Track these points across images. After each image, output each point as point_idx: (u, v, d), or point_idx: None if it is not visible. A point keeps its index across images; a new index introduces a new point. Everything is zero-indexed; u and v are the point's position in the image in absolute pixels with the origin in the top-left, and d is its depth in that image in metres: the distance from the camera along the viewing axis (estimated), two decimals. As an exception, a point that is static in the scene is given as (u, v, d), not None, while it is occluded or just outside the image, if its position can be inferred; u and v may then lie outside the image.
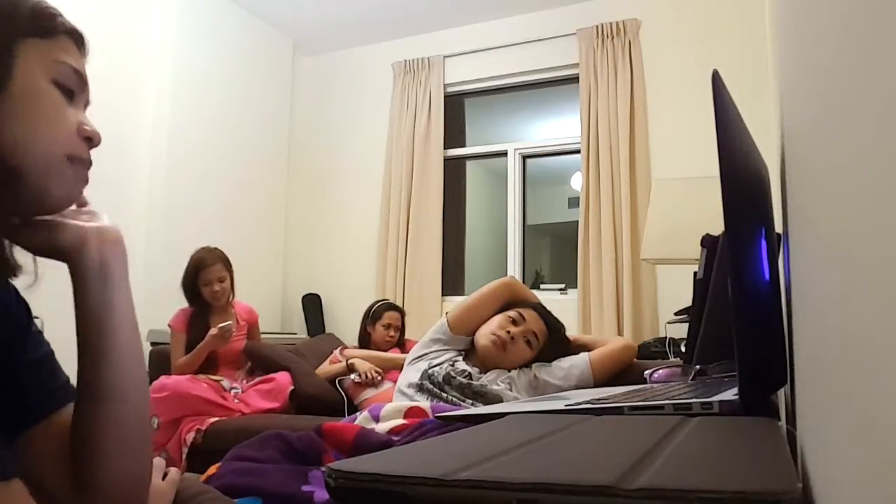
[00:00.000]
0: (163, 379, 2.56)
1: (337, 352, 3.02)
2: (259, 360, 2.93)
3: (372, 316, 3.14)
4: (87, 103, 0.68)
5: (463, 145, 4.65)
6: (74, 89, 0.65)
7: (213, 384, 2.65)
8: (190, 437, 2.46)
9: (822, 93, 0.35)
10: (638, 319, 3.71)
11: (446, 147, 4.47)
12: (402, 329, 3.17)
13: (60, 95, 0.63)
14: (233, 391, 2.71)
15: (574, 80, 4.12)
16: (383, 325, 3.09)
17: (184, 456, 2.43)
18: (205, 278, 2.83)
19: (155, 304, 3.08)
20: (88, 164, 0.65)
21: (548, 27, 4.20)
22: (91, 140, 0.65)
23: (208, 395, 2.56)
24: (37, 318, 0.71)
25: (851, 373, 0.26)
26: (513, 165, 4.44)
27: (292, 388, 2.79)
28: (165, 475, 0.74)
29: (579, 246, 3.90)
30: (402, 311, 3.22)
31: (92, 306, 0.63)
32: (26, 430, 0.64)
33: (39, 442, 0.64)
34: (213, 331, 2.75)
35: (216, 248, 2.92)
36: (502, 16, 4.34)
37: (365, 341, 3.13)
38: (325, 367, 2.96)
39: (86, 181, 0.66)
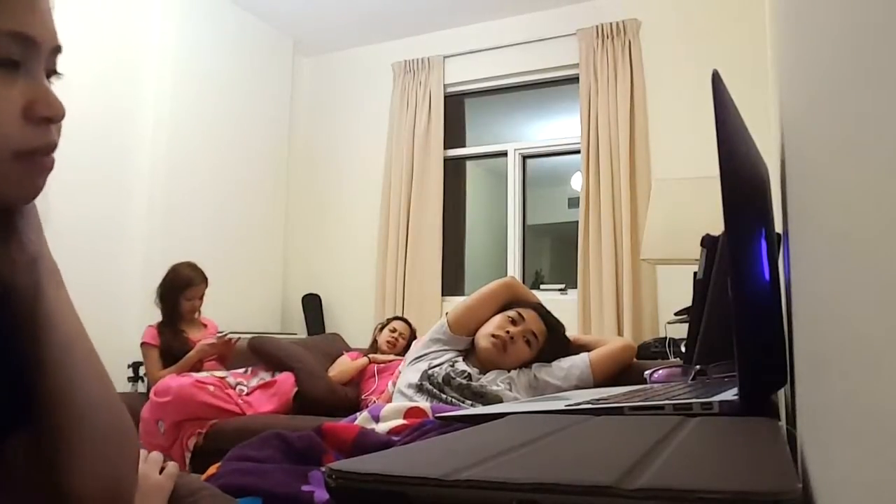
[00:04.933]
0: (168, 380, 2.55)
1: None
2: (264, 357, 2.94)
3: (383, 325, 3.36)
4: (55, 50, 0.54)
5: (463, 145, 4.65)
6: (17, 58, 0.50)
7: (219, 383, 2.65)
8: (191, 442, 2.46)
9: (822, 93, 0.35)
10: (638, 319, 3.71)
11: (446, 147, 4.47)
12: (410, 340, 3.27)
13: None
14: (238, 387, 2.72)
15: (574, 80, 4.12)
16: (390, 329, 3.27)
17: (187, 461, 2.43)
18: (189, 295, 3.02)
19: (154, 304, 3.08)
20: (49, 148, 0.53)
21: (548, 27, 4.20)
22: (50, 119, 0.52)
23: (214, 400, 2.55)
24: None
25: (851, 373, 0.26)
26: (513, 165, 4.44)
27: (296, 390, 2.80)
28: (163, 469, 0.73)
29: (579, 246, 3.90)
30: (411, 326, 3.38)
31: (10, 322, 0.56)
32: (13, 433, 0.60)
33: (28, 446, 0.60)
34: (210, 340, 2.91)
35: (196, 265, 3.09)
36: (502, 16, 4.34)
37: (373, 347, 3.28)
38: (346, 365, 3.04)
39: (47, 169, 0.54)
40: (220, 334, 3.00)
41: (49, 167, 0.54)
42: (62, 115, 0.53)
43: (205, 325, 3.17)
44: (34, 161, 0.52)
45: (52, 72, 0.55)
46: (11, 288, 0.56)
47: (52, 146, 0.53)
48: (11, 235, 0.56)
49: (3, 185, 0.51)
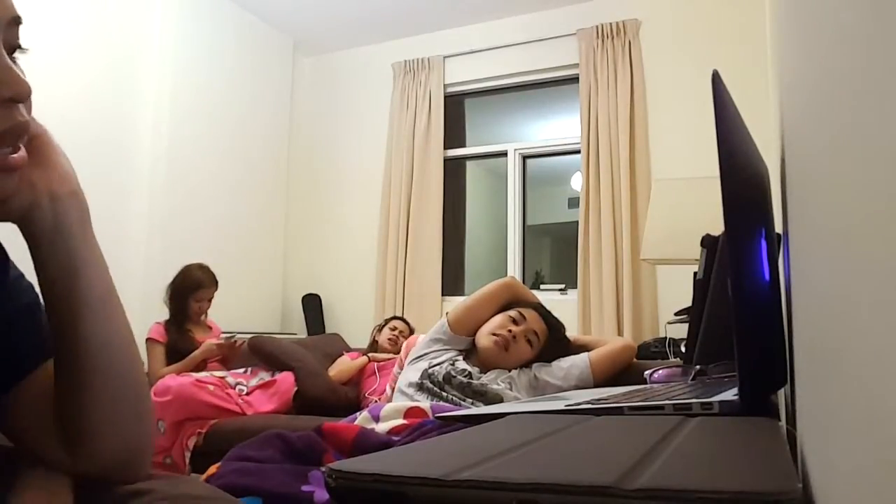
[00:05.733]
0: (167, 380, 2.54)
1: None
2: (263, 357, 2.94)
3: (381, 325, 3.35)
4: (12, 22, 0.50)
5: (463, 145, 4.65)
6: None
7: (219, 383, 2.66)
8: (191, 442, 2.46)
9: (822, 92, 0.35)
10: (638, 319, 3.71)
11: (446, 147, 4.47)
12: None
13: None
14: (238, 388, 2.73)
15: (574, 80, 4.13)
16: (390, 328, 3.28)
17: (187, 461, 2.44)
18: (199, 296, 3.05)
19: (154, 303, 3.08)
20: (18, 130, 0.49)
21: (548, 27, 4.20)
22: (13, 100, 0.48)
23: (214, 399, 2.55)
24: None
25: (851, 373, 0.26)
26: (513, 165, 4.44)
27: (296, 389, 2.80)
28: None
29: (579, 246, 3.90)
30: (410, 325, 3.38)
31: (53, 267, 0.54)
32: (16, 383, 0.59)
33: (31, 395, 0.59)
34: (216, 340, 2.93)
35: (208, 268, 3.11)
36: (502, 16, 4.34)
37: (373, 347, 3.27)
38: (346, 364, 3.02)
39: (13, 166, 0.50)
40: (226, 336, 3.01)
41: (14, 165, 0.50)
42: (27, 93, 0.49)
43: (210, 328, 3.19)
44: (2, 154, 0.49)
45: (15, 47, 0.51)
46: (53, 221, 0.54)
47: (21, 127, 0.49)
48: (52, 167, 0.54)
49: None
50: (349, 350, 3.28)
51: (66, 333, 0.56)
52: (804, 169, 0.49)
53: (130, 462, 0.60)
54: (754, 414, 0.64)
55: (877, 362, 0.21)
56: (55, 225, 0.54)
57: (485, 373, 1.78)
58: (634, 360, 2.00)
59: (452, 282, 4.45)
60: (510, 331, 1.81)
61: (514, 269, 4.31)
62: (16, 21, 0.50)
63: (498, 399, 1.66)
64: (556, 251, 5.92)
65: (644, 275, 3.74)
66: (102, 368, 0.57)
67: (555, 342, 1.90)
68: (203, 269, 3.09)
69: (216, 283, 3.12)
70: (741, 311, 0.63)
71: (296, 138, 4.85)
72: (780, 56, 0.97)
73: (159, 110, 3.83)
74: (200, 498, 0.66)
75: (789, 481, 0.33)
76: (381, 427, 1.29)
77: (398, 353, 3.09)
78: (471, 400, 1.66)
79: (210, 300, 3.12)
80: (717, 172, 0.64)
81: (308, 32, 4.67)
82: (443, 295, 4.31)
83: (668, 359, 2.65)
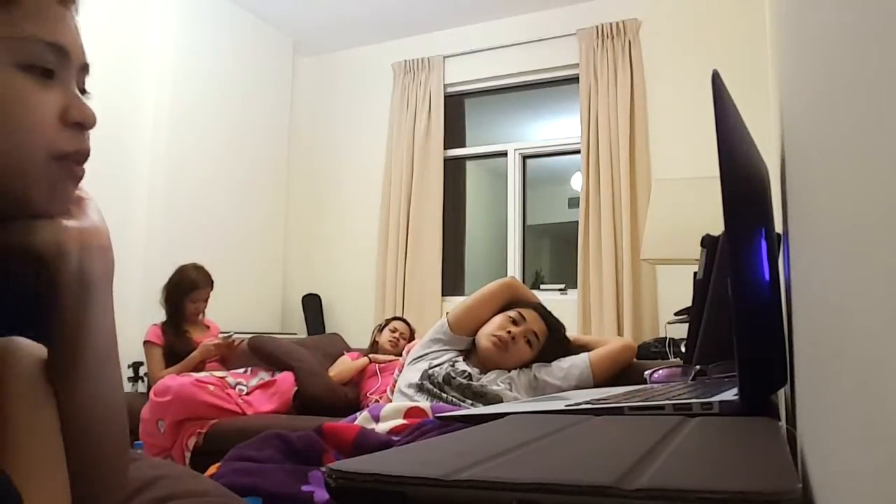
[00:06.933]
0: (167, 380, 2.54)
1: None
2: (263, 357, 2.94)
3: (382, 325, 3.35)
4: (83, 68, 0.55)
5: (463, 145, 4.65)
6: (53, 67, 0.51)
7: (219, 383, 2.66)
8: (191, 442, 2.46)
9: (822, 92, 0.35)
10: (638, 319, 3.71)
11: (446, 147, 4.47)
12: (410, 340, 3.26)
13: (31, 81, 0.50)
14: (238, 388, 2.73)
15: (574, 80, 4.12)
16: (390, 329, 3.27)
17: (187, 461, 2.44)
18: (194, 297, 3.05)
19: (154, 304, 3.08)
20: (83, 155, 0.54)
21: (548, 27, 4.20)
22: (82, 125, 0.53)
23: (214, 399, 2.55)
24: None
25: (851, 373, 0.26)
26: (513, 165, 4.44)
27: (296, 389, 2.80)
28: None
29: (579, 246, 3.90)
30: (410, 326, 3.37)
31: (64, 322, 0.53)
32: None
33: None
34: (214, 341, 2.93)
35: (203, 268, 3.10)
36: (502, 16, 4.35)
37: (373, 347, 3.27)
38: (346, 364, 3.02)
39: (78, 178, 0.54)
40: (223, 335, 3.00)
41: (79, 177, 0.54)
42: (94, 122, 0.54)
43: (207, 327, 3.19)
44: (68, 167, 0.52)
45: (81, 90, 0.56)
46: (78, 272, 0.53)
47: (86, 153, 0.54)
48: (86, 221, 0.55)
49: (37, 187, 0.50)
50: (349, 350, 3.28)
51: (57, 394, 0.54)
52: (804, 169, 0.49)
53: None
54: (754, 414, 0.64)
55: (877, 362, 0.21)
56: (79, 276, 0.53)
57: (485, 373, 1.79)
58: (634, 360, 2.00)
59: (452, 282, 4.45)
60: (510, 331, 1.81)
61: (514, 269, 4.31)
62: (85, 68, 0.55)
63: (498, 400, 1.66)
64: (556, 251, 5.92)
65: (644, 275, 3.74)
66: (81, 435, 0.54)
67: (555, 342, 1.90)
68: (198, 269, 3.08)
69: (212, 282, 3.11)
70: (741, 311, 0.63)
71: (296, 138, 4.84)
72: (780, 56, 0.97)
73: (159, 110, 3.83)
74: (207, 494, 0.66)
75: (789, 481, 0.33)
76: (381, 427, 1.29)
77: (399, 354, 3.10)
78: (470, 401, 1.66)
79: (206, 300, 3.11)
80: (717, 172, 0.64)
81: (308, 32, 4.66)
82: (443, 295, 4.31)
83: (668, 359, 2.65)
